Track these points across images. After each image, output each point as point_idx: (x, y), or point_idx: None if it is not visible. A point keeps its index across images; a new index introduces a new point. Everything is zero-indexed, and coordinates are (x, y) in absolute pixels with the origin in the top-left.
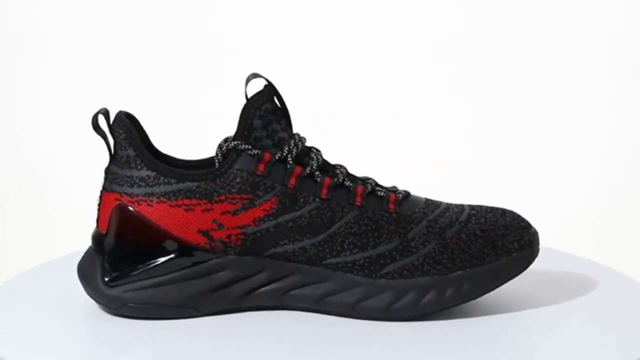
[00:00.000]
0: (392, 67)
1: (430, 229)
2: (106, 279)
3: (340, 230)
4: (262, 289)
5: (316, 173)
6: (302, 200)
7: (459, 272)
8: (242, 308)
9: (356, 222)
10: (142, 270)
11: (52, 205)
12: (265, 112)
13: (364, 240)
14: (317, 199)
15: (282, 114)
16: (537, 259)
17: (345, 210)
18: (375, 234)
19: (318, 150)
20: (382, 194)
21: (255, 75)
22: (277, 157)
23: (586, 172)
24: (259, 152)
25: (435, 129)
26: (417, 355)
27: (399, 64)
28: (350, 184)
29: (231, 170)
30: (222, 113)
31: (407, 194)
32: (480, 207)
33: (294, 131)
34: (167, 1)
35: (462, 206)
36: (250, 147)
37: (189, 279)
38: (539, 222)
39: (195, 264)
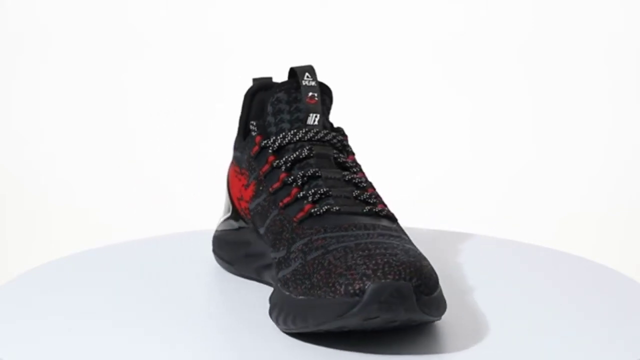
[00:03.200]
0: (393, 67)
1: (304, 247)
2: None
3: (269, 226)
4: (268, 269)
5: (282, 167)
6: (261, 189)
7: (302, 297)
8: (264, 281)
9: (273, 223)
10: (219, 223)
11: (52, 205)
12: (276, 100)
13: (274, 241)
14: (266, 192)
15: (299, 107)
16: (536, 259)
17: (272, 208)
18: (280, 237)
19: (311, 149)
20: (305, 202)
21: (304, 68)
22: (262, 144)
23: (586, 172)
24: (254, 134)
25: (436, 128)
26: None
27: (399, 64)
28: (295, 185)
29: (245, 148)
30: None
31: (332, 209)
32: (384, 243)
33: (317, 127)
34: (167, 1)
35: (370, 236)
36: (255, 128)
37: (232, 241)
38: (538, 222)
39: (239, 229)
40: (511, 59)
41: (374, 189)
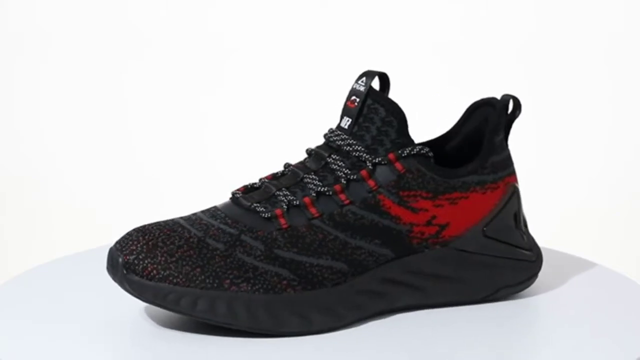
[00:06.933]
0: (393, 68)
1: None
2: None
3: None
4: None
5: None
6: None
7: None
8: None
9: None
10: None
11: (52, 205)
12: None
13: None
14: None
15: (343, 112)
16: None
17: None
18: None
19: (314, 149)
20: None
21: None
22: None
23: (586, 171)
24: None
25: (436, 128)
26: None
27: (399, 64)
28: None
29: None
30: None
31: (234, 197)
32: (185, 228)
33: (343, 132)
34: (167, 1)
35: (196, 220)
36: None
37: None
38: (538, 222)
39: None
40: (511, 59)
41: (331, 196)
